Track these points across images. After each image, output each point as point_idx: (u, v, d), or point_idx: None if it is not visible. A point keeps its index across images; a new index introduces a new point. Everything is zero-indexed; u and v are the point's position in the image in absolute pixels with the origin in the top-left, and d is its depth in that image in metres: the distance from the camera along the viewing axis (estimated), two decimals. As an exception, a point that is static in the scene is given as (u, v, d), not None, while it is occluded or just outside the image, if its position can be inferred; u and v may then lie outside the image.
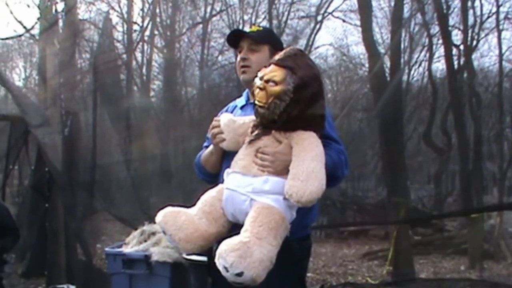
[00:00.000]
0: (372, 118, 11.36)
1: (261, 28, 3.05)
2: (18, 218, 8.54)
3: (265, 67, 2.60)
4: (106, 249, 5.75)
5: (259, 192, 2.49)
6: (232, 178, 2.58)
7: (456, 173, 16.73)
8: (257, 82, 2.54)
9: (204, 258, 3.63)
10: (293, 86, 2.47)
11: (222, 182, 2.71)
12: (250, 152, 2.58)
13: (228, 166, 2.68)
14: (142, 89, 17.94)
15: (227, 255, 2.26)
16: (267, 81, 2.49)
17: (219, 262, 2.28)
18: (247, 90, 3.08)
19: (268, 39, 3.00)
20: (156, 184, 12.08)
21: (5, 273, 5.28)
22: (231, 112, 3.07)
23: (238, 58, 3.00)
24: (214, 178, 2.98)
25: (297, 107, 2.49)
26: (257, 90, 2.53)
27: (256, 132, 2.60)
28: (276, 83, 2.47)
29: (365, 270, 10.81)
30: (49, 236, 7.72)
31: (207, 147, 3.08)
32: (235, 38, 3.01)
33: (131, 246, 5.55)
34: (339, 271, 10.70)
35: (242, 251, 2.26)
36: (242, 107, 3.02)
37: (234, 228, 2.59)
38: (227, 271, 2.25)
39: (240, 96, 3.18)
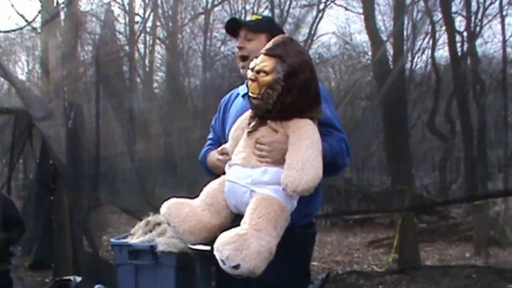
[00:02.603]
0: (376, 106, 11.34)
1: (260, 17, 3.06)
2: (24, 211, 8.57)
3: (256, 57, 2.59)
4: (112, 240, 5.75)
5: (258, 183, 2.48)
6: (233, 170, 2.58)
7: (460, 160, 16.70)
8: (249, 73, 2.53)
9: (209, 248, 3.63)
10: (283, 74, 2.45)
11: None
12: (249, 144, 2.57)
13: None
14: (145, 81, 17.92)
15: (222, 248, 2.27)
16: (258, 72, 2.48)
17: (217, 255, 2.29)
18: None
19: (266, 27, 2.97)
20: (161, 175, 12.07)
21: (12, 266, 5.31)
22: (233, 100, 3.07)
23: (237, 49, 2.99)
24: None
25: (290, 95, 2.47)
26: (250, 81, 2.52)
27: (252, 123, 2.59)
28: (267, 73, 2.46)
29: (371, 258, 10.85)
30: (55, 229, 7.74)
31: (211, 140, 3.11)
32: (234, 28, 2.99)
33: (137, 237, 5.56)
34: (345, 259, 10.73)
35: (238, 244, 2.26)
36: (244, 96, 2.99)
37: (237, 219, 2.60)
38: (224, 263, 2.26)
39: (242, 83, 3.15)
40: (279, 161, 2.48)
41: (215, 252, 2.31)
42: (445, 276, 7.79)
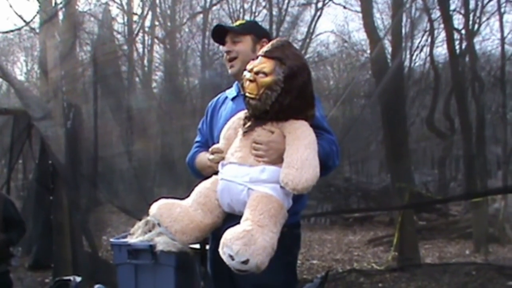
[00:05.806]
0: (375, 104, 11.36)
1: (243, 21, 3.13)
2: (23, 211, 8.57)
3: (253, 59, 2.63)
4: (111, 239, 5.76)
5: (256, 181, 2.52)
6: (229, 169, 2.61)
7: (459, 157, 16.72)
8: (247, 74, 2.57)
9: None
10: (283, 76, 2.51)
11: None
12: (246, 144, 2.60)
13: None
14: (144, 80, 17.93)
15: (232, 243, 2.28)
16: (257, 73, 2.53)
17: (223, 251, 2.30)
18: (237, 81, 3.10)
19: (250, 29, 3.05)
20: (159, 175, 12.09)
21: (12, 267, 5.30)
22: (221, 104, 3.12)
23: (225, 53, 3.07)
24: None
25: (288, 97, 2.53)
26: (247, 82, 2.56)
27: (248, 124, 2.63)
28: (266, 74, 2.51)
29: (371, 256, 10.84)
30: (54, 229, 7.73)
31: (199, 142, 3.16)
32: (220, 35, 3.06)
33: (136, 236, 5.56)
34: (345, 257, 10.73)
35: (247, 239, 2.28)
36: (233, 99, 3.05)
37: (228, 218, 2.63)
38: (233, 259, 2.27)
39: (230, 87, 3.20)
40: (276, 161, 2.53)
41: (221, 249, 2.32)
42: (445, 273, 7.80)
